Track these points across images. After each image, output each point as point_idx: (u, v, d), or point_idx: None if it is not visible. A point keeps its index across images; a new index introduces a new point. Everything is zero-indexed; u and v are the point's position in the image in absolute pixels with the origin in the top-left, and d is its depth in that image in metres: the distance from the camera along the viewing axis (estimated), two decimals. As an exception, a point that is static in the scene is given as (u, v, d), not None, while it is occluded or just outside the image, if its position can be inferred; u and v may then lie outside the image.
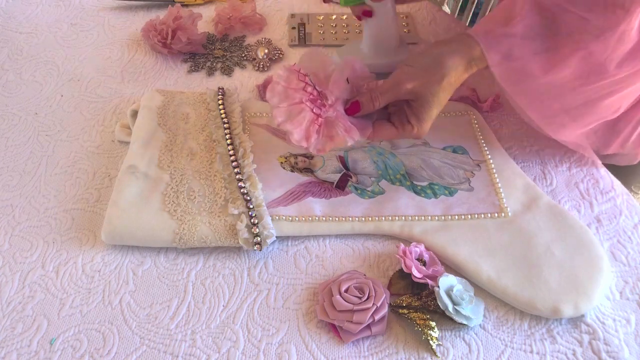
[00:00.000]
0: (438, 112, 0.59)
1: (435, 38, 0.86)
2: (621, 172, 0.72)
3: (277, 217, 0.60)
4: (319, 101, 0.57)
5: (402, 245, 0.57)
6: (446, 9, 0.93)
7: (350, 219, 0.61)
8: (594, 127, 0.65)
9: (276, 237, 0.59)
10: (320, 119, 0.57)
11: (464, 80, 0.60)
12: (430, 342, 0.52)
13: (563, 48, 0.56)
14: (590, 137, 0.66)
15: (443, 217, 0.61)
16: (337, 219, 0.61)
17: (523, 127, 0.72)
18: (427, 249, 0.58)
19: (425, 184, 0.64)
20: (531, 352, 0.53)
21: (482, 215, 0.61)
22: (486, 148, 0.68)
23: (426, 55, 0.59)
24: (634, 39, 0.53)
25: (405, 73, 0.58)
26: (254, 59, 0.82)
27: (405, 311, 0.54)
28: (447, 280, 0.55)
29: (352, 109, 0.58)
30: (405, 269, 0.56)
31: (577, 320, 0.54)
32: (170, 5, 0.89)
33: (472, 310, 0.53)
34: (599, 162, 0.68)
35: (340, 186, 0.64)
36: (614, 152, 0.69)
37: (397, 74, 0.59)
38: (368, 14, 0.72)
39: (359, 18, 0.74)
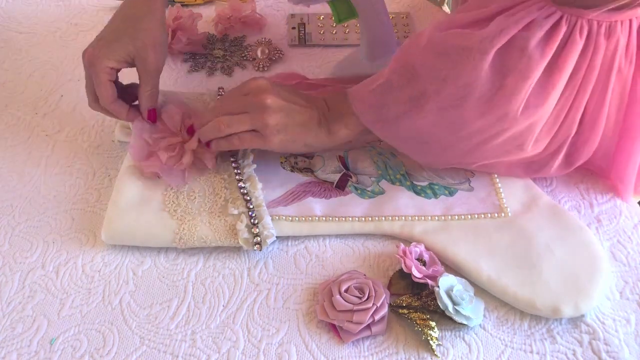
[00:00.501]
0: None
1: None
2: None
3: (277, 217, 0.60)
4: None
5: (402, 245, 0.57)
6: (446, 9, 0.93)
7: (350, 219, 0.61)
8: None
9: (276, 237, 0.59)
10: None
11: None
12: (430, 342, 0.52)
13: (414, 93, 0.56)
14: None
15: (443, 217, 0.61)
16: (337, 219, 0.61)
17: (523, 127, 0.72)
18: (427, 249, 0.58)
19: (425, 184, 0.64)
20: (531, 352, 0.53)
21: (482, 215, 0.61)
22: (486, 148, 0.68)
23: None
24: (485, 86, 0.52)
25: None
26: (254, 59, 0.82)
27: (405, 311, 0.54)
28: (447, 280, 0.55)
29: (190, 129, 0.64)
30: (405, 269, 0.56)
31: (577, 320, 0.54)
32: (170, 5, 0.89)
33: (472, 310, 0.53)
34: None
35: (340, 186, 0.64)
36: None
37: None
38: None
39: None
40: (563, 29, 0.51)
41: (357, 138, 0.63)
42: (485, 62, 0.52)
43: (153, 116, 0.64)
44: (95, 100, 0.64)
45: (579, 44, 0.51)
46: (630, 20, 0.52)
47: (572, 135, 0.59)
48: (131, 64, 0.62)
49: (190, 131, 0.64)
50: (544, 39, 0.51)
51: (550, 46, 0.51)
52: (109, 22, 0.65)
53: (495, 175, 0.65)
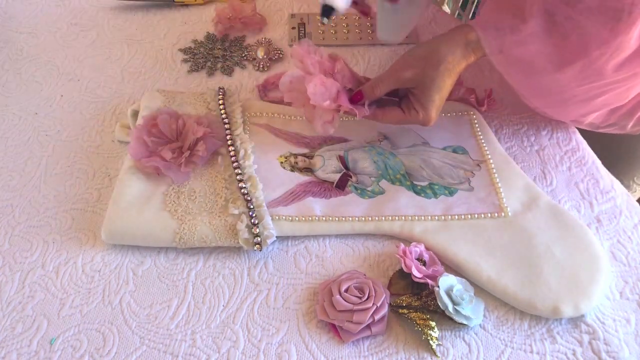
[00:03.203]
0: (441, 98, 0.62)
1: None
2: (621, 165, 0.72)
3: (277, 217, 0.60)
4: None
5: (402, 245, 0.57)
6: (446, 9, 0.93)
7: (350, 219, 0.61)
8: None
9: (276, 237, 0.59)
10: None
11: (463, 74, 0.61)
12: (430, 342, 0.52)
13: (564, 54, 0.56)
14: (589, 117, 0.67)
15: (443, 217, 0.61)
16: (337, 219, 0.61)
17: (523, 127, 0.72)
18: (427, 249, 0.58)
19: (425, 183, 0.64)
20: (531, 352, 0.53)
21: (482, 215, 0.61)
22: (486, 148, 0.68)
23: (424, 44, 0.63)
24: (632, 47, 0.54)
25: (403, 61, 0.63)
26: (254, 59, 0.82)
27: (405, 311, 0.54)
28: (447, 280, 0.55)
29: (355, 97, 0.63)
30: (405, 269, 0.56)
31: (577, 320, 0.54)
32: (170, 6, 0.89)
33: (472, 310, 0.53)
34: (599, 162, 0.68)
35: (340, 186, 0.64)
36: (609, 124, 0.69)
37: (396, 62, 0.63)
38: (365, 13, 0.74)
39: (364, 14, 0.75)
40: None
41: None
42: (635, 28, 0.52)
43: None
44: None
45: None
46: None
47: None
48: None
49: (357, 98, 0.63)
50: None
51: None
52: None
53: (496, 175, 0.65)
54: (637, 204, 0.64)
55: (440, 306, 0.53)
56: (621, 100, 0.61)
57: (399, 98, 0.65)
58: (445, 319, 0.53)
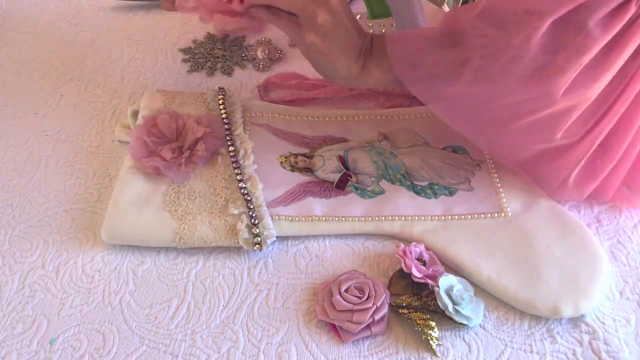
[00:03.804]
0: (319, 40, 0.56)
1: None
2: None
3: (277, 217, 0.60)
4: None
5: (402, 245, 0.57)
6: (446, 8, 0.93)
7: (350, 219, 0.61)
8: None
9: (276, 237, 0.59)
10: None
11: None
12: (430, 342, 0.52)
13: (463, 62, 0.53)
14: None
15: (443, 217, 0.61)
16: (337, 219, 0.61)
17: (523, 127, 0.72)
18: (427, 249, 0.58)
19: (425, 183, 0.64)
20: (531, 352, 0.53)
21: (482, 215, 0.61)
22: (486, 148, 0.68)
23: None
24: (534, 59, 0.49)
25: None
26: (254, 59, 0.82)
27: (405, 311, 0.54)
28: (447, 280, 0.55)
29: None
30: (405, 269, 0.56)
31: (577, 320, 0.54)
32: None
33: (472, 310, 0.53)
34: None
35: (340, 186, 0.64)
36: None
37: None
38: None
39: None
40: (632, 10, 0.46)
41: (386, 85, 0.60)
42: (538, 32, 0.47)
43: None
44: None
45: None
46: None
47: (605, 133, 0.54)
48: None
49: None
50: (607, 17, 0.46)
51: (613, 27, 0.46)
52: None
53: (495, 175, 0.65)
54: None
55: (440, 306, 0.53)
56: (550, 137, 0.55)
57: None
58: (445, 319, 0.53)
